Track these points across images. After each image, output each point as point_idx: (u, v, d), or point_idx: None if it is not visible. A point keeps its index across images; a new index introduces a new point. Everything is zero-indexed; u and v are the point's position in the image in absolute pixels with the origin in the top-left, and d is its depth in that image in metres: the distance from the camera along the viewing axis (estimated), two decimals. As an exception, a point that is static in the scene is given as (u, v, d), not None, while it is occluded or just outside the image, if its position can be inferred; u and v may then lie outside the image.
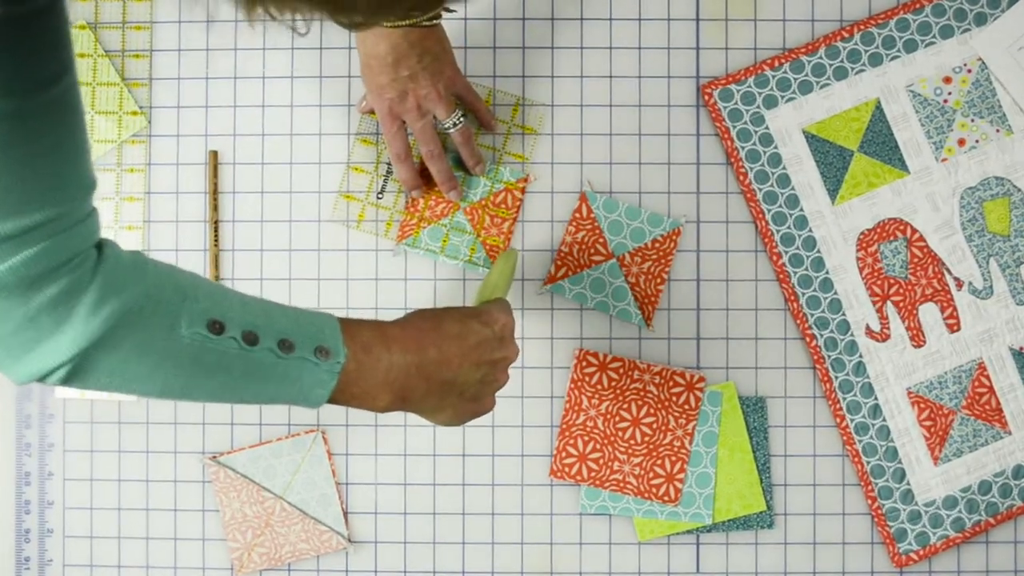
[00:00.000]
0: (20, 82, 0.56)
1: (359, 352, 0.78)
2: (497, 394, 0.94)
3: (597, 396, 1.11)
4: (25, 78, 0.57)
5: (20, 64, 0.56)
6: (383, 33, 0.99)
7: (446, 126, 1.07)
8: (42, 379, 0.64)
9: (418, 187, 1.10)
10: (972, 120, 1.11)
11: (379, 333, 0.81)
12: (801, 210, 1.11)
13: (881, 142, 1.11)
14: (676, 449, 1.11)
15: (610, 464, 1.11)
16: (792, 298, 1.11)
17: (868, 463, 1.11)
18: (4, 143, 0.57)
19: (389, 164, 1.12)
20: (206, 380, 0.70)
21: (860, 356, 1.11)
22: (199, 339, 0.68)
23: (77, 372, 0.64)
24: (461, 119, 1.07)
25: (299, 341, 0.74)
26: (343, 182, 1.13)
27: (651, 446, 1.11)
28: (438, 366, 0.84)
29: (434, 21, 1.00)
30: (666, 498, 1.11)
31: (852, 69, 1.11)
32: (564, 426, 1.11)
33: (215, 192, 1.13)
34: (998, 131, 1.11)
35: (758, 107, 1.11)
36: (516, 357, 0.92)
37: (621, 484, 1.11)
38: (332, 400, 0.78)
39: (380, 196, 1.12)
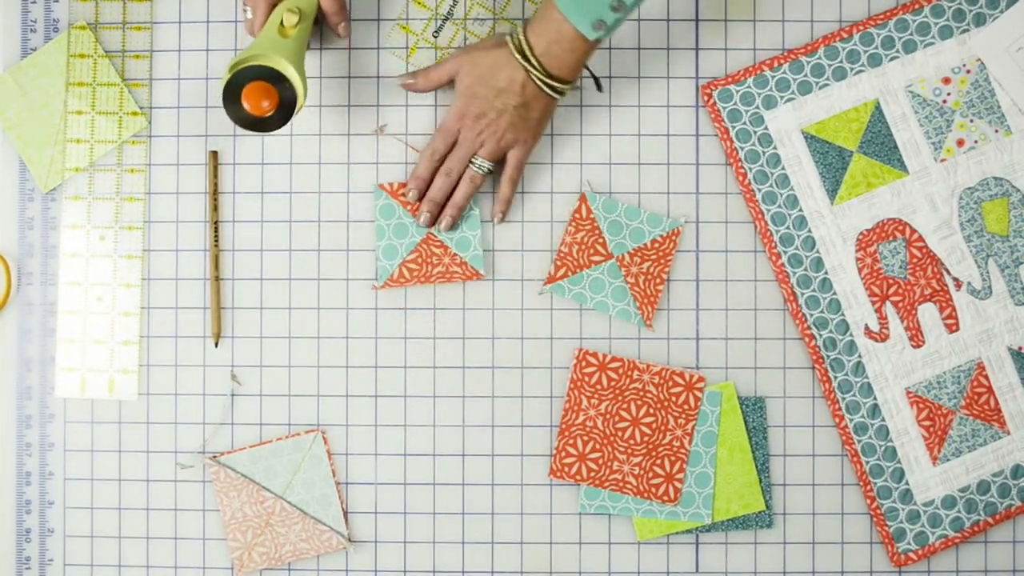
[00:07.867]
0: None
1: None
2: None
3: (597, 396, 1.11)
4: None
5: None
6: (516, 65, 1.03)
7: (475, 163, 1.07)
8: None
9: (430, 211, 1.10)
10: (971, 120, 1.11)
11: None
12: (800, 210, 1.11)
13: (880, 142, 1.11)
14: (675, 449, 1.11)
15: (609, 464, 1.11)
16: (791, 298, 1.12)
17: (867, 463, 1.11)
18: None
19: (452, 4, 1.12)
20: None
21: (859, 356, 1.11)
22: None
23: None
24: (486, 169, 1.08)
25: None
26: (403, 11, 1.13)
27: (650, 446, 1.11)
28: None
29: (562, 93, 1.04)
30: (665, 498, 1.11)
31: (851, 70, 1.11)
32: (564, 426, 1.11)
33: (215, 192, 1.13)
34: (997, 131, 1.11)
35: (757, 107, 1.12)
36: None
37: (620, 484, 1.11)
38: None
39: (436, 36, 1.12)
